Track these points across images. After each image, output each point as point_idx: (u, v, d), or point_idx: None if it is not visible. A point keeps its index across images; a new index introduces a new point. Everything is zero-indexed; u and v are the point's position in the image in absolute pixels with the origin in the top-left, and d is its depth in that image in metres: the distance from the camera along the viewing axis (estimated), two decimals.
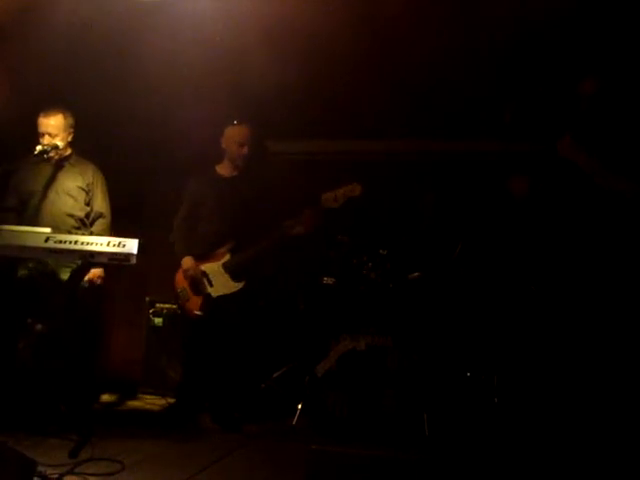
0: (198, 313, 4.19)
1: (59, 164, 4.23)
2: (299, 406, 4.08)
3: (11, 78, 4.46)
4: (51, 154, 4.15)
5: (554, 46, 4.24)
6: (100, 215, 4.33)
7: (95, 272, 4.20)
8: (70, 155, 4.29)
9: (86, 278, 4.18)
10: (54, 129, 4.14)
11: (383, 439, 3.86)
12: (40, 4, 4.11)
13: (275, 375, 4.69)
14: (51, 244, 3.26)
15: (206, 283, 4.22)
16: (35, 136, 4.14)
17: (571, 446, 3.25)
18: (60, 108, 4.19)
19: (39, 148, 3.95)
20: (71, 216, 4.21)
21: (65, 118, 4.18)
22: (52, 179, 4.20)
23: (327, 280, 4.56)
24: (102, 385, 4.82)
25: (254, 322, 4.47)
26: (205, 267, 4.24)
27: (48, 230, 3.35)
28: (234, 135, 4.35)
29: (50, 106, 4.17)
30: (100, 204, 4.34)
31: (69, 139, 4.24)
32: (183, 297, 4.27)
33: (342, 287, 4.49)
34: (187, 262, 4.24)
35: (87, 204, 4.30)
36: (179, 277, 4.30)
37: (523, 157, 3.64)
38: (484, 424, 3.94)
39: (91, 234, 4.09)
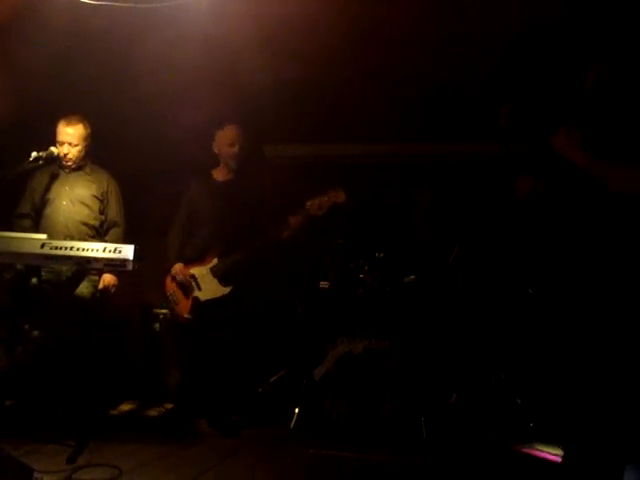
0: (187, 316, 4.23)
1: (74, 172, 4.26)
2: (296, 410, 4.08)
3: (9, 82, 4.46)
4: (69, 163, 4.19)
5: (552, 47, 4.25)
6: (114, 224, 4.34)
7: (109, 281, 4.21)
8: (86, 164, 4.30)
9: (100, 286, 4.21)
10: (75, 138, 4.16)
11: (381, 442, 3.86)
12: (37, 9, 4.11)
13: (272, 379, 4.70)
14: (47, 250, 3.26)
15: (194, 286, 4.25)
16: (33, 141, 4.14)
17: (570, 446, 3.24)
18: (80, 117, 4.20)
19: (34, 155, 3.94)
20: (85, 225, 4.22)
21: (85, 128, 4.20)
22: (67, 187, 4.23)
23: (324, 284, 4.57)
24: (124, 392, 4.77)
25: (249, 326, 4.47)
26: (194, 271, 4.27)
27: (44, 236, 3.35)
28: (224, 136, 4.36)
29: (71, 115, 4.19)
30: (114, 213, 4.35)
31: (87, 149, 4.26)
32: (172, 301, 4.30)
33: (339, 291, 4.50)
34: (176, 267, 4.28)
35: (101, 213, 4.31)
36: (168, 281, 4.33)
37: (520, 159, 3.64)
38: (482, 427, 3.95)
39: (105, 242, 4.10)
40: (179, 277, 4.26)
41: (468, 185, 5.02)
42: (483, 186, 4.73)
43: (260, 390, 4.65)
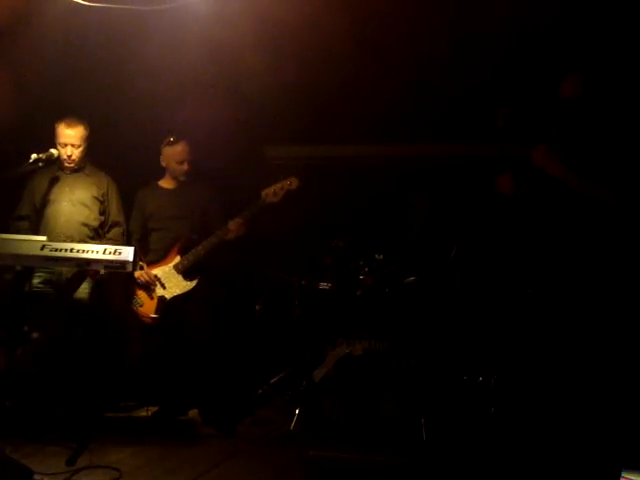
0: (154, 316, 4.27)
1: (74, 174, 4.27)
2: (296, 411, 4.08)
3: (10, 83, 4.47)
4: (72, 165, 4.21)
5: (548, 50, 4.26)
6: (116, 224, 4.39)
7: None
8: (85, 165, 4.32)
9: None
10: (77, 140, 4.19)
11: (380, 444, 3.85)
12: (38, 11, 4.12)
13: (272, 380, 4.70)
14: (47, 252, 3.27)
15: (159, 286, 4.30)
16: (32, 143, 4.15)
17: (567, 448, 3.25)
18: (79, 119, 4.22)
19: (34, 156, 3.95)
20: (86, 226, 4.25)
21: (85, 129, 4.23)
22: (67, 189, 4.24)
23: (323, 285, 4.57)
24: (124, 393, 4.71)
25: (218, 315, 4.49)
26: (156, 271, 4.33)
27: (44, 238, 3.36)
28: (173, 154, 4.41)
29: (70, 117, 4.19)
30: (115, 213, 4.39)
31: (87, 150, 4.28)
32: (136, 303, 4.33)
33: (338, 292, 4.51)
34: (138, 271, 4.32)
35: (102, 214, 4.34)
36: (130, 285, 4.36)
37: (517, 161, 3.65)
38: (481, 428, 3.94)
39: (107, 242, 4.15)
40: (143, 278, 4.29)
41: (467, 186, 5.02)
42: (481, 187, 4.74)
43: (260, 391, 4.66)
